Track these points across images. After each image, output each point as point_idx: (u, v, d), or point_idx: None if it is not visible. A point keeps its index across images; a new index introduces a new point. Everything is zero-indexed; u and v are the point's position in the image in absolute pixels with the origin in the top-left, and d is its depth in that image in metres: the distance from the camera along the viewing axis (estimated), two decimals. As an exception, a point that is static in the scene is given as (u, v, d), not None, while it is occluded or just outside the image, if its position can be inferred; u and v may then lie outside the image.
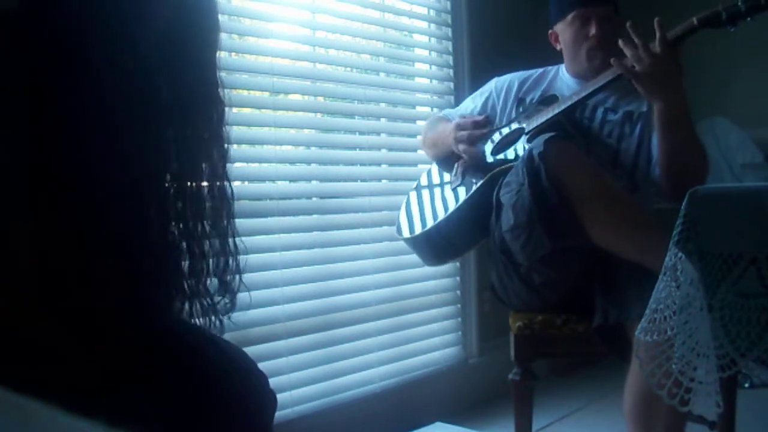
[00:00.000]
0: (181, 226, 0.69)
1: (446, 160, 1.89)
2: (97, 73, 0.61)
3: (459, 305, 2.41)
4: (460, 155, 1.79)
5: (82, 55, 0.60)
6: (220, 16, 0.74)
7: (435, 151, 1.94)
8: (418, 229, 1.79)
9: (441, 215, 1.75)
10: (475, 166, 1.76)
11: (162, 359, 0.65)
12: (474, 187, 1.71)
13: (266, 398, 0.76)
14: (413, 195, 1.92)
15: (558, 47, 1.83)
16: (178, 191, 0.69)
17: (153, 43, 0.64)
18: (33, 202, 0.59)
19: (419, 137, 2.07)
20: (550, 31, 1.84)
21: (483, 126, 1.78)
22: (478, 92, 1.95)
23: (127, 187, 0.63)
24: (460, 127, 1.79)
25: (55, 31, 0.60)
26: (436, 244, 1.79)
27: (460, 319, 2.41)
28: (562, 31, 1.79)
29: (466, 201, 1.71)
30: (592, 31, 1.72)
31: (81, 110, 0.61)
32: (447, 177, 1.86)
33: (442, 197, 1.82)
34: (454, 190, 1.78)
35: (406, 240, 1.83)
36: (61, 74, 0.60)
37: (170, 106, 0.66)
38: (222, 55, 0.74)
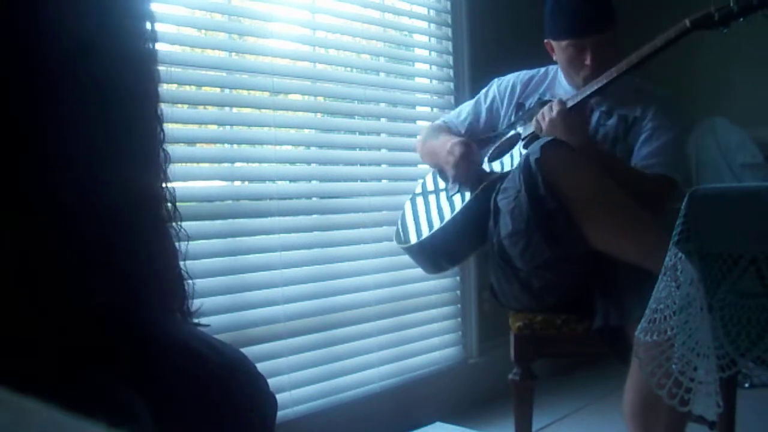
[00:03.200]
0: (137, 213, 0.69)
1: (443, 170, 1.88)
2: (55, 77, 0.61)
3: (459, 305, 2.40)
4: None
5: (38, 60, 0.60)
6: None
7: (432, 159, 1.92)
8: (413, 239, 1.78)
9: (437, 225, 1.74)
10: (471, 177, 1.74)
11: (160, 363, 0.65)
12: (469, 198, 1.70)
13: (267, 401, 0.76)
14: (408, 204, 1.91)
15: (554, 57, 1.79)
16: (120, 174, 0.67)
17: (87, 30, 0.64)
18: (18, 210, 0.59)
19: (417, 143, 2.03)
20: (545, 41, 1.79)
21: (474, 158, 1.76)
22: (480, 95, 1.94)
23: (104, 191, 0.63)
24: (454, 153, 1.75)
25: (12, 41, 0.60)
26: (432, 254, 1.78)
27: (460, 319, 2.41)
28: (557, 51, 1.75)
29: (461, 211, 1.70)
30: (587, 60, 1.68)
31: (51, 118, 0.61)
32: (443, 185, 1.85)
33: (438, 206, 1.80)
34: (450, 198, 1.77)
35: (405, 249, 1.83)
36: (27, 83, 0.60)
37: (106, 88, 0.65)
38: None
